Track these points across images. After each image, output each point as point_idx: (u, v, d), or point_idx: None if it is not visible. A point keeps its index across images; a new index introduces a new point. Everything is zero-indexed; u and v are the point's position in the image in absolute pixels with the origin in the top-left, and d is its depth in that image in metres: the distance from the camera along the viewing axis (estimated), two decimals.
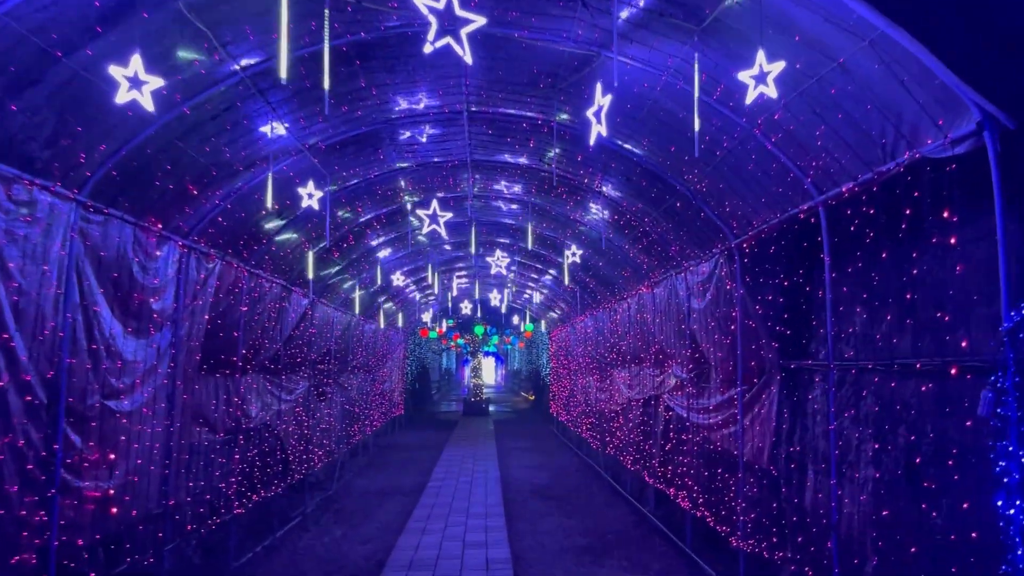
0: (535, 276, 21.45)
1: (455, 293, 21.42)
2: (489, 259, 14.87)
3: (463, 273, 22.65)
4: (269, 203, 7.56)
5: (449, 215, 10.83)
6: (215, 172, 7.75)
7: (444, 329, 37.98)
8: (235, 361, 10.55)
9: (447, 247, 18.14)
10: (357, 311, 18.92)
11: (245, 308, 10.60)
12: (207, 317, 9.06)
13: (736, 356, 9.10)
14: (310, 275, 11.84)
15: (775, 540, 8.04)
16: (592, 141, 6.52)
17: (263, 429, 13.32)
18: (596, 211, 12.22)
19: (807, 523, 7.75)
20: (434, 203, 10.71)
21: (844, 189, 6.16)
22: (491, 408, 39.47)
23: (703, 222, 9.12)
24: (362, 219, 12.82)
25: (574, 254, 12.99)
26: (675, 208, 9.53)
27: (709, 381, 10.94)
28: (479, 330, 39.54)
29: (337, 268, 14.72)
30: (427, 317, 26.01)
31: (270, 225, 10.55)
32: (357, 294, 17.17)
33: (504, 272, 14.84)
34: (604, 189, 10.82)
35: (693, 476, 10.84)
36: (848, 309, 6.83)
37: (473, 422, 33.82)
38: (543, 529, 12.60)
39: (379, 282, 18.18)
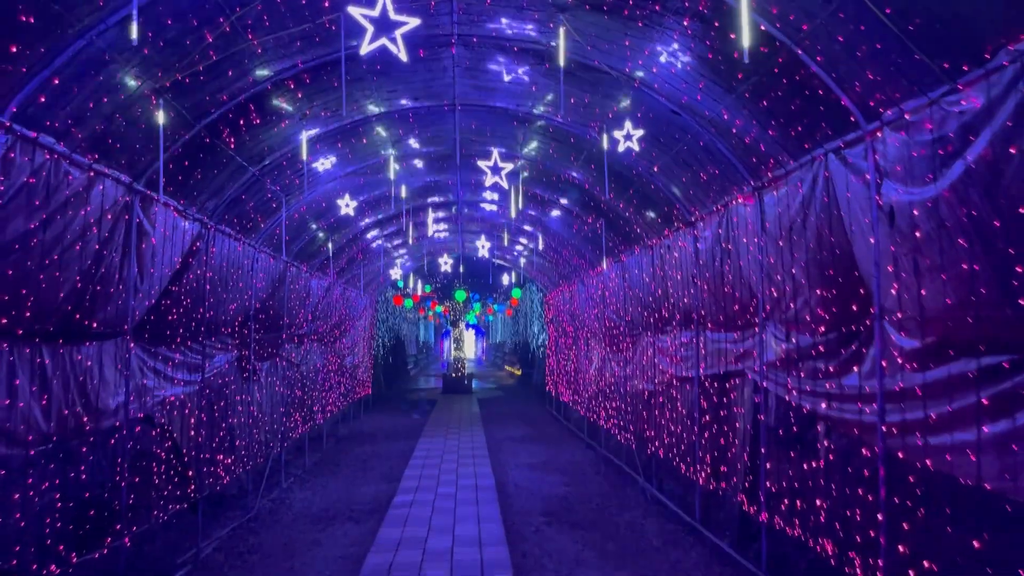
0: (535, 213, 16.15)
1: (431, 233, 16.13)
2: (481, 163, 9.56)
3: (441, 212, 17.28)
4: None
5: (415, 22, 5.48)
6: None
7: (420, 295, 32.67)
8: None
9: (418, 163, 12.75)
10: (291, 255, 13.54)
11: None
12: None
13: None
14: (162, 159, 6.45)
15: None
16: None
17: (141, 426, 8.17)
18: (670, 52, 6.92)
19: None
20: None
21: None
22: (474, 384, 34.33)
23: None
24: (267, 71, 7.40)
25: (628, 136, 7.68)
26: None
27: (873, 347, 5.87)
28: (460, 296, 34.17)
29: (244, 177, 9.30)
30: (397, 274, 20.68)
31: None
32: (286, 228, 11.80)
33: (503, 184, 9.54)
34: None
35: (901, 529, 5.66)
36: None
37: (455, 402, 28.68)
38: None
39: (322, 211, 12.80)
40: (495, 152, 9.63)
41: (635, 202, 11.07)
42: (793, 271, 7.00)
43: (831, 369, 6.59)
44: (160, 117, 6.38)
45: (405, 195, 14.01)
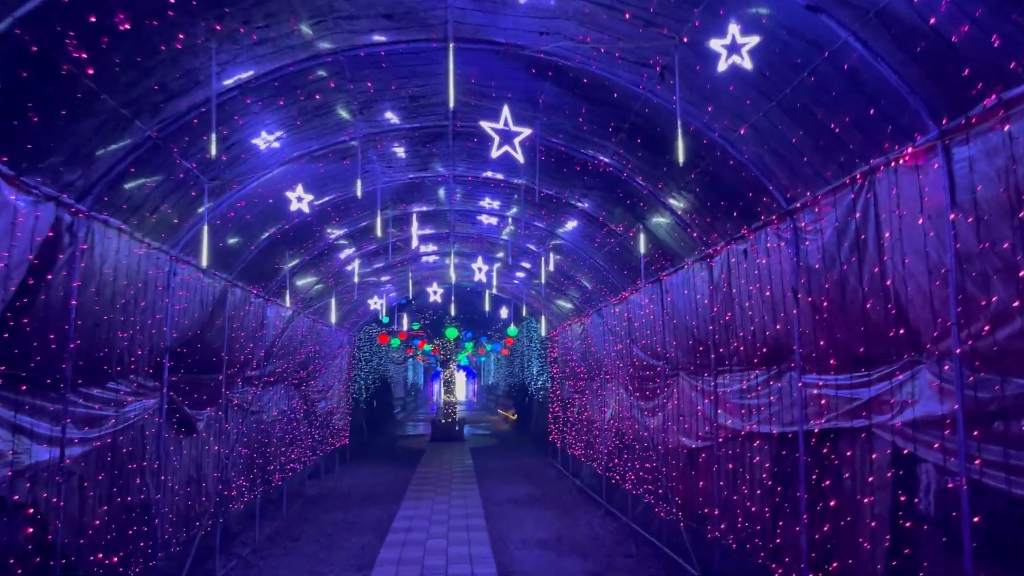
0: (543, 225, 13.08)
1: (414, 245, 12.97)
2: (486, 125, 6.50)
3: (429, 228, 14.17)
4: None
5: None
6: None
7: (407, 332, 29.36)
8: None
9: (398, 149, 9.66)
10: (234, 272, 10.37)
11: None
12: None
13: None
14: None
15: None
16: None
17: None
18: None
19: None
20: None
21: None
22: (466, 431, 30.86)
23: None
24: None
25: (734, 46, 4.64)
26: None
27: None
28: (452, 333, 30.96)
29: (130, 138, 6.16)
30: (376, 304, 17.46)
31: None
32: (218, 231, 8.66)
33: (517, 156, 6.46)
34: None
35: None
36: None
37: (444, 451, 25.27)
38: None
39: (270, 211, 9.70)
40: (506, 110, 6.57)
41: (697, 190, 7.98)
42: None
43: None
44: None
45: (383, 198, 10.92)
